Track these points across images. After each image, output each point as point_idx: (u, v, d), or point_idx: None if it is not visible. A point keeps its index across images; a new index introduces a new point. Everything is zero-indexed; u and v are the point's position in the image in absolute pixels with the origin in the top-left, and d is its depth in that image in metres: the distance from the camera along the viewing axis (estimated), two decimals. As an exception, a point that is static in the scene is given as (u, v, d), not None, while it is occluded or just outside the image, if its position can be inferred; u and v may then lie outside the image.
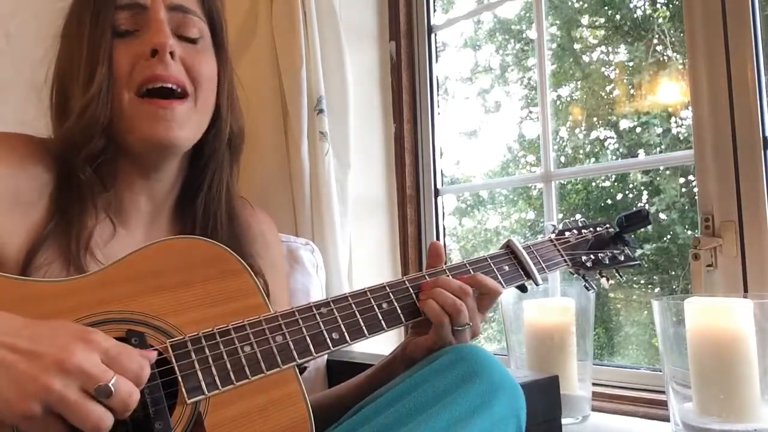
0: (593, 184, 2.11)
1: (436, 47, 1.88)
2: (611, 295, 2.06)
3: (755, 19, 1.20)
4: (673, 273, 1.97)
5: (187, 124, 0.85)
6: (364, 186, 1.76)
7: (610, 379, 1.40)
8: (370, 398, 0.82)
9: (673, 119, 1.90)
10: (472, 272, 0.91)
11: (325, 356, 1.38)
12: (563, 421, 1.04)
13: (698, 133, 1.26)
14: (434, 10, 1.88)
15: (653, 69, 1.93)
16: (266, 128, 1.69)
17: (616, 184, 2.11)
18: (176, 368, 0.68)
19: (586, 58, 2.19)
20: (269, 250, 1.00)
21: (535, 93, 1.71)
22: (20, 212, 0.80)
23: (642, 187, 2.06)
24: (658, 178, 1.98)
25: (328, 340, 0.78)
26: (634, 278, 2.01)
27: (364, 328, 0.81)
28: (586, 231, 1.08)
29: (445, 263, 0.93)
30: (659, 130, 1.91)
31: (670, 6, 1.99)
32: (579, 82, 2.14)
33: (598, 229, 1.09)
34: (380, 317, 0.82)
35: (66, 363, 0.56)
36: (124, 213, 0.88)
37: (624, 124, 2.03)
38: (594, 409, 1.30)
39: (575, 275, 1.08)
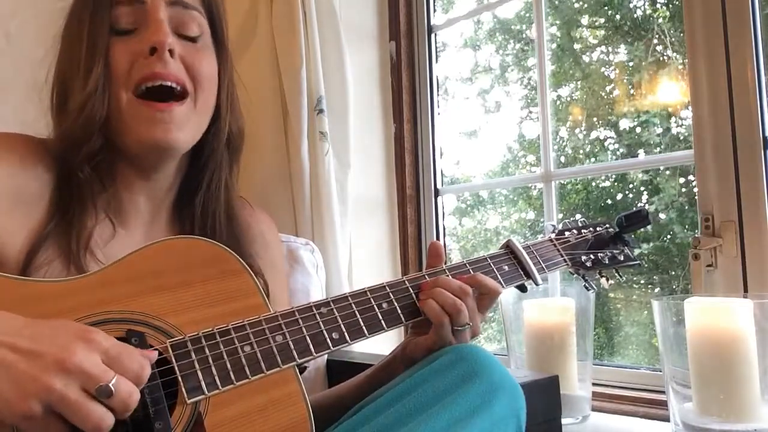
0: (593, 184, 2.11)
1: (436, 47, 1.88)
2: (611, 295, 2.06)
3: (755, 19, 1.20)
4: (673, 273, 1.97)
5: (186, 125, 0.85)
6: (364, 186, 1.76)
7: (610, 379, 1.40)
8: (370, 398, 0.82)
9: (673, 119, 1.90)
10: (472, 272, 0.91)
11: (325, 356, 1.38)
12: (563, 421, 1.04)
13: (698, 132, 1.26)
14: (434, 10, 1.88)
15: (653, 69, 1.92)
16: (266, 128, 1.69)
17: (615, 184, 2.11)
18: (176, 368, 0.68)
19: (586, 58, 2.19)
20: (269, 249, 1.00)
21: (535, 93, 1.71)
22: (20, 212, 0.80)
23: (642, 187, 2.05)
24: (657, 178, 1.97)
25: (328, 340, 0.78)
26: (634, 278, 2.01)
27: (364, 328, 0.81)
28: (585, 231, 1.08)
29: (445, 263, 0.93)
30: (659, 130, 1.91)
31: (670, 6, 1.99)
32: (579, 82, 2.14)
33: (597, 229, 1.09)
34: (380, 317, 0.82)
35: (67, 363, 0.56)
36: (123, 213, 0.88)
37: (624, 123, 2.03)
38: (594, 409, 1.30)
39: (575, 275, 1.08)
